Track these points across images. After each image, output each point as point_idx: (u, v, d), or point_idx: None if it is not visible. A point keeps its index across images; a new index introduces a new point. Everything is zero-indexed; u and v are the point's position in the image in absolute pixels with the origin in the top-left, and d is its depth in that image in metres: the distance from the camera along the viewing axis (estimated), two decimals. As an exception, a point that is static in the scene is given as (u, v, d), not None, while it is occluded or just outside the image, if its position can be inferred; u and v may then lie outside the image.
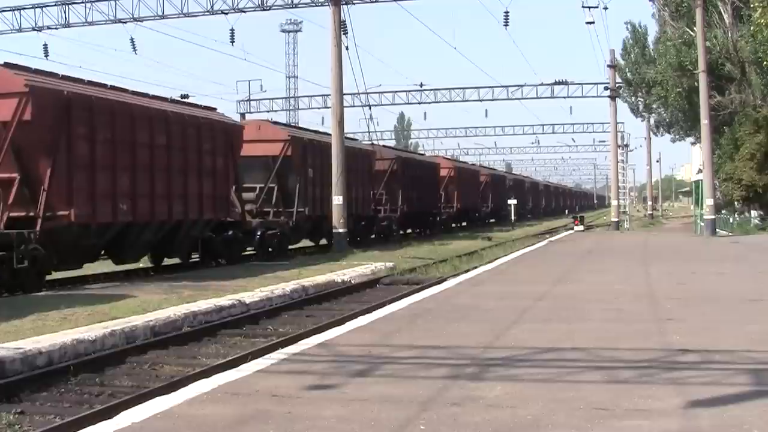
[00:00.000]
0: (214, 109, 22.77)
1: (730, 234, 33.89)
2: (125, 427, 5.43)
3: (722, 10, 34.54)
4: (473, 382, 6.49)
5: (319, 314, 13.95)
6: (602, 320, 9.78)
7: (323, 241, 29.34)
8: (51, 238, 15.41)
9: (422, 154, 53.65)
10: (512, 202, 57.05)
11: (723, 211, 40.52)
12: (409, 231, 41.30)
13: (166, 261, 21.21)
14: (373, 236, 33.87)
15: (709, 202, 31.07)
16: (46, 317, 11.36)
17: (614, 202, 47.15)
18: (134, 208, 17.78)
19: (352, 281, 18.53)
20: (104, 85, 18.47)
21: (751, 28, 30.65)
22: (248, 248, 23.35)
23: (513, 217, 57.26)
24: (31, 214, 15.49)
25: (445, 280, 16.86)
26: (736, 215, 41.10)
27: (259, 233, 23.15)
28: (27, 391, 8.13)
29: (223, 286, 15.67)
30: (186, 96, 37.72)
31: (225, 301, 13.59)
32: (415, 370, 7.07)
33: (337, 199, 26.65)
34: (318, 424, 5.34)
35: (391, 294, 15.90)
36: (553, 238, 34.74)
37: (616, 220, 45.52)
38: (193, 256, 21.63)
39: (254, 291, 15.02)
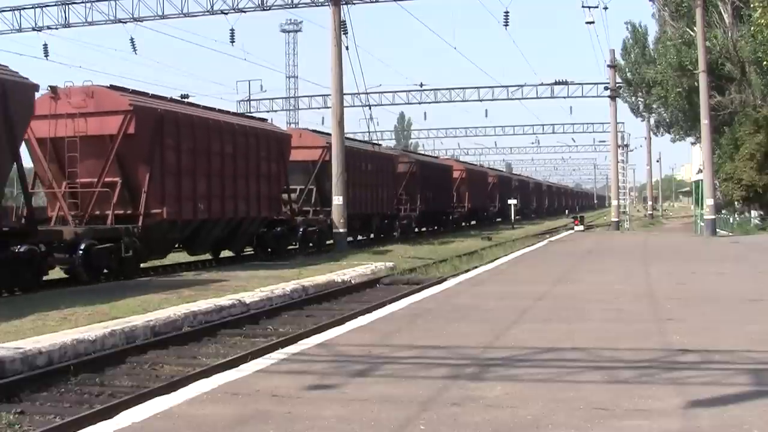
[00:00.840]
0: (266, 120, 27.30)
1: (730, 234, 33.89)
2: (125, 427, 5.43)
3: (722, 10, 34.54)
4: (473, 382, 6.49)
5: (319, 314, 13.95)
6: (602, 320, 9.78)
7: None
8: (146, 233, 18.33)
9: (436, 157, 57.52)
10: (512, 202, 57.23)
11: (723, 211, 40.52)
12: (423, 229, 44.23)
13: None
14: (395, 233, 37.28)
15: (709, 202, 31.07)
16: (46, 317, 11.36)
17: (614, 202, 47.15)
18: (209, 207, 20.95)
19: (352, 281, 18.53)
20: (181, 102, 21.99)
21: (751, 28, 30.66)
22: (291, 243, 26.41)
23: (513, 217, 57.41)
24: (129, 212, 18.55)
25: (445, 280, 16.86)
26: (736, 215, 41.10)
27: (301, 230, 26.44)
28: (27, 391, 8.13)
29: (224, 286, 15.67)
30: (186, 96, 37.71)
31: (225, 300, 13.59)
32: (415, 370, 7.07)
33: (337, 199, 26.67)
34: (318, 424, 5.34)
35: (391, 294, 15.90)
36: (553, 238, 34.74)
37: (616, 220, 45.52)
38: (246, 250, 24.83)
39: (254, 291, 15.03)
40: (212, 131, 21.23)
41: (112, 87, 19.52)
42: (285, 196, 26.10)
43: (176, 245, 21.70)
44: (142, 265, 19.36)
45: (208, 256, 23.72)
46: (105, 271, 17.45)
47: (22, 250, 15.02)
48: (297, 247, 26.35)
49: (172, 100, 21.74)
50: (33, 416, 7.34)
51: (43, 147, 18.09)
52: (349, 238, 30.48)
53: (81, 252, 16.54)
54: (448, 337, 8.66)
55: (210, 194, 20.89)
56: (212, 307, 12.96)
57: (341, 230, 26.71)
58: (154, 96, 20.70)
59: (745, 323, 9.30)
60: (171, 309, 12.46)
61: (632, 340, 8.24)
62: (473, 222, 56.25)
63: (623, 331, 8.86)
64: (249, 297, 14.29)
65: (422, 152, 64.39)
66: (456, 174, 50.50)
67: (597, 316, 10.18)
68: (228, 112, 24.55)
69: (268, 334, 11.87)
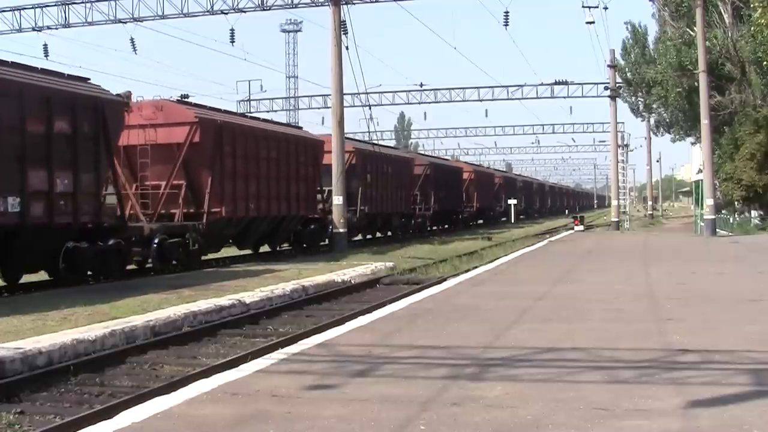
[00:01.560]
0: (301, 127, 30.29)
1: (730, 234, 33.89)
2: (125, 427, 5.43)
3: (722, 10, 34.54)
4: (473, 382, 6.49)
5: (319, 314, 13.95)
6: (602, 320, 9.78)
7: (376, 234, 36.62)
8: (208, 229, 21.05)
9: (447, 159, 61.57)
10: (512, 202, 57.48)
11: (723, 211, 40.52)
12: (434, 227, 46.57)
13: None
14: (410, 231, 40.38)
15: (709, 202, 31.06)
16: (46, 317, 11.36)
17: (614, 202, 47.15)
18: (258, 206, 23.56)
19: (352, 281, 18.53)
20: (234, 113, 25.33)
21: (751, 28, 30.66)
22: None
23: (513, 217, 57.66)
24: (192, 210, 21.17)
25: (445, 280, 16.86)
26: (736, 215, 41.10)
27: (330, 227, 28.13)
28: (27, 391, 8.13)
29: (224, 286, 15.67)
30: (186, 96, 37.66)
31: (225, 301, 13.59)
32: (415, 370, 7.07)
33: (337, 199, 26.68)
34: (318, 424, 5.34)
35: (391, 294, 15.90)
36: (553, 238, 34.74)
37: (616, 220, 45.51)
38: (282, 246, 27.38)
39: (254, 291, 15.03)
40: (260, 139, 23.94)
41: (179, 101, 23.04)
42: (319, 196, 28.40)
43: (229, 240, 24.36)
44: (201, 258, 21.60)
45: (248, 251, 25.65)
46: (174, 262, 19.89)
47: (113, 242, 17.47)
48: (327, 243, 28.56)
49: (226, 112, 24.84)
50: (33, 416, 7.34)
51: (116, 154, 19.13)
52: (369, 236, 34.40)
53: (155, 245, 19.14)
54: (448, 337, 8.66)
55: (258, 195, 23.53)
56: (212, 307, 12.96)
57: (341, 230, 26.72)
58: (212, 108, 23.77)
59: (745, 323, 9.30)
60: (171, 309, 12.46)
61: (632, 340, 8.24)
62: (480, 221, 58.74)
63: (623, 331, 8.86)
64: (249, 297, 14.29)
65: (434, 154, 65.66)
66: (465, 175, 53.40)
67: (597, 316, 10.18)
68: (269, 121, 28.60)
69: (268, 334, 11.87)
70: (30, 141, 14.88)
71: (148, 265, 19.91)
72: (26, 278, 16.81)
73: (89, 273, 17.09)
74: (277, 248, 26.77)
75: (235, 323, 12.50)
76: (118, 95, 17.96)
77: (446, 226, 48.83)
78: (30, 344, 9.25)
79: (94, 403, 7.69)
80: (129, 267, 19.39)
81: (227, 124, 22.42)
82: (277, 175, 24.53)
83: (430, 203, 43.53)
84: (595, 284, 14.32)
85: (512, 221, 56.78)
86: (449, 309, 11.11)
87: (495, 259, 22.04)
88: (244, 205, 22.85)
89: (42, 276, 17.23)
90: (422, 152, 64.10)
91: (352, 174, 30.73)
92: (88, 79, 17.70)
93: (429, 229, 44.34)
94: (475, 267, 19.64)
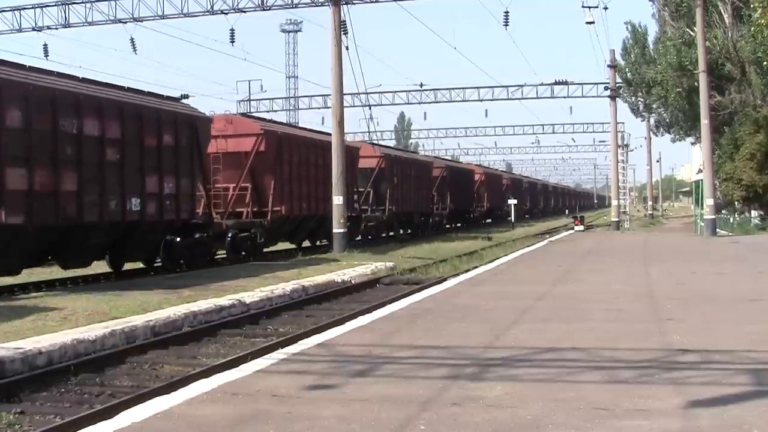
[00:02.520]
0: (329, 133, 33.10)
1: (730, 234, 33.88)
2: (125, 427, 5.43)
3: (722, 10, 34.53)
4: (473, 382, 6.49)
5: (319, 314, 13.95)
6: (602, 320, 9.78)
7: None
8: (270, 225, 24.49)
9: (461, 162, 65.41)
10: (512, 202, 57.74)
11: (723, 211, 40.52)
12: (449, 226, 50.05)
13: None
14: (429, 229, 43.68)
15: (709, 202, 31.05)
16: (46, 317, 11.36)
17: (614, 202, 47.14)
18: (309, 206, 27.12)
19: (352, 281, 18.53)
20: (288, 124, 29.48)
21: (751, 28, 30.64)
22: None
23: (513, 217, 57.85)
24: (256, 209, 24.67)
25: (445, 280, 16.86)
26: (736, 215, 41.10)
27: (363, 225, 32.42)
28: (27, 391, 8.13)
29: (224, 286, 15.67)
30: (186, 96, 37.65)
31: (225, 301, 13.59)
32: (415, 370, 7.07)
33: (337, 199, 26.67)
34: (318, 424, 5.34)
35: (391, 294, 15.90)
36: (553, 238, 34.74)
37: (616, 220, 45.51)
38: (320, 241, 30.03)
39: (254, 291, 15.03)
40: (310, 147, 27.48)
41: (245, 115, 27.90)
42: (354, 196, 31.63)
43: (285, 235, 27.64)
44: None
45: (289, 245, 28.74)
46: (243, 253, 22.99)
47: (198, 236, 20.58)
48: (360, 239, 31.67)
49: (281, 124, 29.09)
50: (33, 416, 7.35)
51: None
52: (392, 233, 37.83)
53: (229, 239, 22.39)
54: (448, 337, 8.66)
55: (309, 196, 27.11)
56: (212, 307, 12.96)
57: (341, 230, 26.70)
58: (272, 121, 28.77)
59: (745, 323, 9.30)
60: (171, 309, 12.46)
61: (632, 340, 8.24)
62: (489, 220, 61.89)
63: (623, 331, 8.86)
64: (249, 297, 14.29)
65: (434, 155, 66.92)
66: (476, 177, 57.05)
67: (597, 316, 10.18)
68: (314, 131, 32.07)
69: (268, 334, 11.87)
70: (146, 153, 18.19)
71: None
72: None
73: (181, 262, 20.22)
74: (317, 243, 29.91)
75: (235, 323, 12.50)
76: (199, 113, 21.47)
77: (459, 224, 52.40)
78: (30, 344, 9.25)
79: (94, 403, 7.70)
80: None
81: (285, 135, 26.14)
82: (324, 178, 27.50)
83: (446, 203, 47.06)
84: (595, 284, 14.32)
85: (513, 221, 56.88)
86: (449, 309, 11.11)
87: (495, 259, 22.04)
88: (298, 204, 26.48)
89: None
90: (422, 152, 64.39)
91: (381, 177, 35.16)
92: (185, 97, 22.78)
93: (445, 227, 48.08)
94: (475, 267, 19.63)
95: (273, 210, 24.75)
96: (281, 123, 29.34)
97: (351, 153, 30.60)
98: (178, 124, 19.52)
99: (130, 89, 19.02)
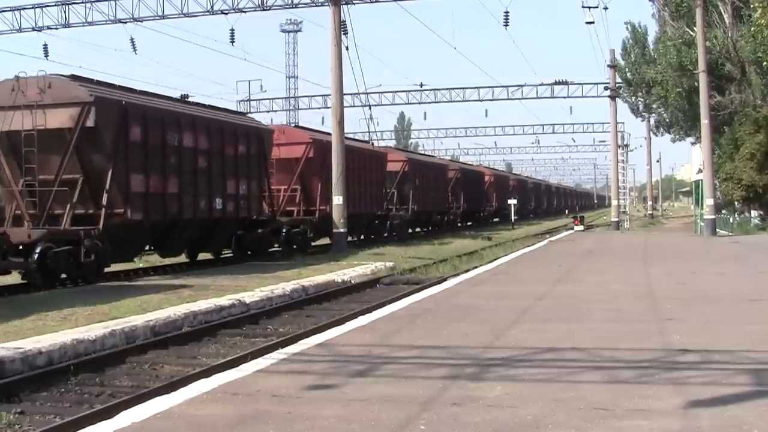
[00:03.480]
0: (368, 141, 37.55)
1: (730, 234, 33.89)
2: (125, 427, 5.43)
3: (722, 10, 34.53)
4: (473, 382, 6.49)
5: (319, 314, 13.94)
6: (602, 320, 9.77)
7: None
8: (318, 223, 27.76)
9: (471, 164, 68.74)
10: (512, 202, 57.96)
11: (723, 211, 40.52)
12: (461, 224, 53.53)
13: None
14: (445, 227, 47.65)
15: (709, 202, 31.05)
16: (46, 317, 11.36)
17: (614, 202, 47.14)
18: (357, 205, 30.58)
19: (352, 281, 18.53)
20: (327, 133, 30.13)
21: (751, 28, 30.64)
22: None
23: (513, 217, 57.99)
24: (304, 208, 28.00)
25: (445, 279, 16.86)
26: (736, 215, 41.10)
27: (388, 222, 36.30)
28: (27, 390, 8.12)
29: (224, 286, 15.67)
30: (186, 96, 37.69)
31: (225, 300, 13.59)
32: (415, 370, 7.07)
33: (337, 199, 26.69)
34: (318, 424, 5.34)
35: (391, 294, 15.90)
36: (553, 238, 34.74)
37: (616, 220, 45.50)
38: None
39: (254, 291, 15.02)
40: (352, 154, 30.49)
41: (297, 126, 31.85)
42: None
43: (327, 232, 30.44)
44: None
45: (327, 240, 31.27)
46: (295, 246, 25.75)
47: (260, 231, 23.93)
48: (387, 235, 35.39)
49: (324, 133, 31.29)
50: (33, 416, 7.34)
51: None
52: (416, 230, 42.24)
53: (284, 234, 25.37)
54: (448, 337, 8.66)
55: (359, 195, 31.28)
56: (212, 307, 12.96)
57: (341, 230, 26.72)
58: (319, 131, 32.34)
59: (745, 323, 9.30)
60: (171, 309, 12.46)
61: (632, 340, 8.24)
62: (496, 219, 64.36)
63: (623, 331, 8.86)
64: (249, 297, 14.29)
65: (433, 154, 67.66)
66: (486, 178, 60.70)
67: (597, 316, 10.18)
68: (353, 139, 36.63)
69: (268, 334, 11.87)
70: (227, 160, 21.86)
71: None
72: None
73: (249, 253, 23.70)
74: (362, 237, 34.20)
75: (235, 323, 12.50)
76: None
77: (469, 223, 55.72)
78: (30, 344, 9.24)
79: (94, 403, 7.69)
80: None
81: (329, 142, 28.38)
82: (365, 181, 31.94)
83: (460, 203, 50.64)
84: (595, 284, 14.32)
85: (513, 221, 57.16)
86: (449, 309, 11.11)
87: (495, 259, 22.04)
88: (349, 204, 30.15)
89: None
90: (422, 152, 64.52)
91: (405, 179, 39.13)
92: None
93: (459, 225, 51.98)
94: (475, 267, 19.63)
95: (320, 209, 28.17)
96: (324, 132, 32.11)
97: (381, 157, 35.79)
98: (250, 136, 23.37)
99: (211, 107, 23.29)
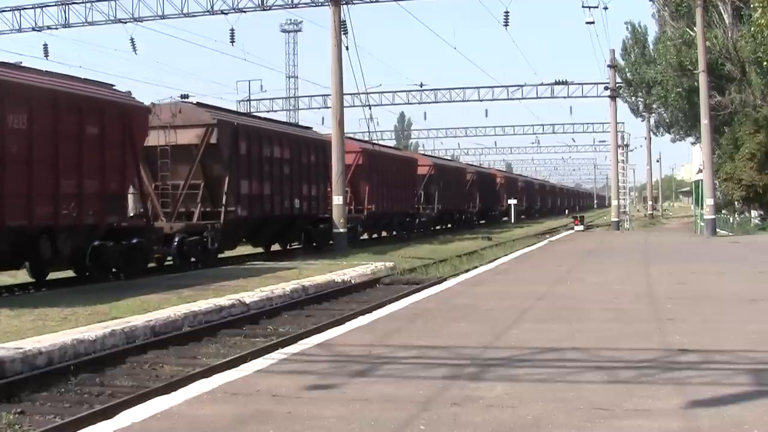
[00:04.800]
0: (400, 148, 45.54)
1: (730, 234, 33.88)
2: (125, 427, 5.43)
3: (722, 10, 34.48)
4: (473, 382, 6.48)
5: (319, 314, 13.94)
6: (602, 320, 9.77)
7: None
8: (365, 220, 33.38)
9: (483, 166, 75.51)
10: (512, 202, 58.30)
11: (723, 211, 40.50)
12: (475, 222, 57.90)
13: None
14: (463, 224, 53.16)
15: (709, 202, 31.04)
16: (46, 317, 11.36)
17: (614, 202, 47.11)
18: (390, 205, 36.56)
19: (352, 281, 18.52)
20: (373, 142, 37.20)
21: (751, 28, 30.60)
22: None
23: (513, 217, 58.29)
24: (352, 207, 32.22)
25: (445, 279, 16.85)
26: (736, 215, 41.08)
27: (417, 219, 41.77)
28: (27, 391, 8.12)
29: (224, 286, 15.67)
30: (186, 96, 37.70)
31: (225, 301, 13.58)
32: (415, 370, 7.07)
33: (337, 199, 26.69)
34: (318, 424, 5.34)
35: (391, 294, 15.90)
36: (553, 238, 34.74)
37: (617, 220, 45.49)
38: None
39: (254, 291, 15.02)
40: (389, 161, 36.48)
41: (350, 138, 34.91)
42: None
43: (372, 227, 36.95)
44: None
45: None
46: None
47: (326, 226, 27.71)
48: (415, 231, 40.88)
49: (367, 142, 37.33)
50: (33, 416, 7.34)
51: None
52: (436, 227, 46.70)
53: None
54: (448, 337, 8.66)
55: (391, 198, 36.55)
56: (212, 307, 12.96)
57: (341, 230, 26.72)
58: (366, 141, 37.44)
59: (745, 323, 9.30)
60: (171, 309, 12.46)
61: (632, 340, 8.24)
62: (504, 218, 66.96)
63: (623, 331, 8.86)
64: (249, 297, 14.29)
65: (435, 155, 68.92)
66: (498, 180, 65.52)
67: (597, 316, 10.17)
68: (385, 146, 42.68)
69: (268, 334, 11.87)
70: (303, 168, 26.77)
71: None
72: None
73: (314, 244, 28.10)
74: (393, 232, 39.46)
75: (235, 323, 12.50)
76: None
77: (482, 221, 59.94)
78: (30, 344, 9.24)
79: (94, 403, 7.69)
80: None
81: (374, 151, 34.93)
82: (399, 184, 37.83)
83: (475, 203, 55.63)
84: (595, 284, 14.32)
85: (512, 221, 57.47)
86: (449, 309, 11.11)
87: (495, 259, 22.03)
88: (383, 204, 35.47)
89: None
90: (422, 151, 64.55)
91: (431, 182, 44.41)
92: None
93: (475, 222, 56.76)
94: (475, 267, 19.63)
95: (367, 208, 33.40)
96: (369, 141, 37.18)
97: (412, 162, 42.18)
98: (317, 147, 28.05)
99: (287, 123, 29.98)
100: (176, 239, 20.26)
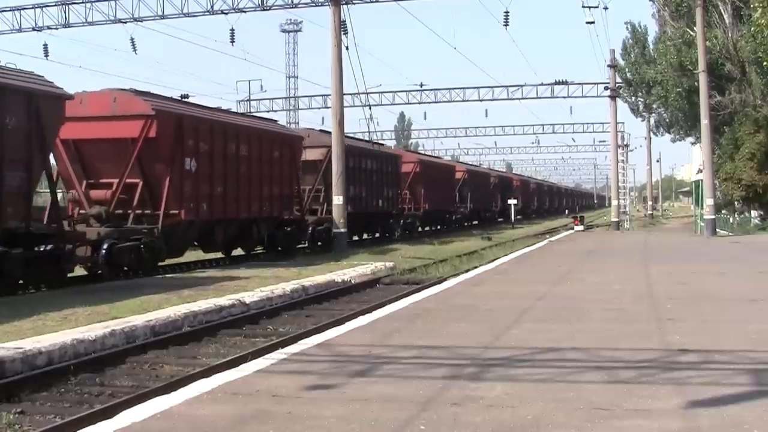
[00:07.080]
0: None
1: (730, 234, 33.89)
2: (125, 427, 5.43)
3: (722, 10, 34.48)
4: (473, 382, 6.48)
5: (319, 314, 13.94)
6: (602, 320, 9.77)
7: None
8: (422, 215, 41.78)
9: (500, 171, 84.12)
10: (512, 202, 58.10)
11: (723, 211, 40.52)
12: (467, 224, 58.85)
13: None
14: (488, 222, 59.88)
15: (709, 202, 31.05)
16: (46, 317, 11.36)
17: (614, 202, 47.15)
18: (438, 205, 44.34)
19: (352, 281, 18.52)
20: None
21: (751, 28, 30.61)
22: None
23: (513, 217, 58.27)
24: (411, 206, 40.55)
25: (445, 279, 16.86)
26: (736, 215, 41.09)
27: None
28: (27, 390, 8.11)
29: (224, 286, 15.67)
30: (186, 96, 37.72)
31: (225, 300, 13.58)
32: (415, 370, 7.07)
33: (337, 199, 26.69)
34: (318, 424, 5.34)
35: (391, 294, 15.90)
36: (553, 238, 34.74)
37: (617, 220, 45.51)
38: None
39: (254, 291, 15.02)
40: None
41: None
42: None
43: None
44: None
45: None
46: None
47: (393, 220, 37.09)
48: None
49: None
50: (33, 416, 7.34)
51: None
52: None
53: (391, 221, 37.32)
54: (448, 337, 8.65)
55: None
56: (212, 307, 12.96)
57: (341, 230, 26.72)
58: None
59: (745, 323, 9.30)
60: (171, 309, 12.46)
61: (632, 340, 8.23)
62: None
63: (623, 331, 8.86)
64: (249, 297, 14.29)
65: (434, 155, 70.16)
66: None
67: (597, 316, 10.17)
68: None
69: (268, 334, 11.86)
70: (383, 174, 34.37)
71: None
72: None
73: (386, 234, 35.88)
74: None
75: (235, 323, 12.50)
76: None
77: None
78: (30, 344, 9.24)
79: (94, 403, 7.69)
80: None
81: (427, 161, 41.27)
82: (442, 187, 43.67)
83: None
84: (595, 284, 14.32)
85: (512, 222, 57.52)
86: (449, 309, 11.11)
87: (495, 259, 22.03)
88: (434, 204, 42.70)
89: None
90: (422, 151, 64.69)
91: (465, 185, 51.91)
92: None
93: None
94: (475, 267, 19.63)
95: (423, 206, 41.54)
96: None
97: (451, 169, 47.63)
98: (388, 159, 36.00)
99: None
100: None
